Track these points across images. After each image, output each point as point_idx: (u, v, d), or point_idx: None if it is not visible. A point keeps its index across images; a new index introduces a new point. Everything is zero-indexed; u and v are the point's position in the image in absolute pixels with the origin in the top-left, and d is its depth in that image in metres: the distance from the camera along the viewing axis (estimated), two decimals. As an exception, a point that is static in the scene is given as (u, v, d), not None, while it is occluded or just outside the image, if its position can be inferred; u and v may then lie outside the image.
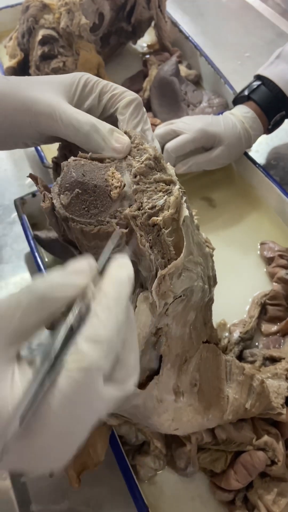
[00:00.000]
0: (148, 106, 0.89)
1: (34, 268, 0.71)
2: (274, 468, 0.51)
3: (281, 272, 0.67)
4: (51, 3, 0.83)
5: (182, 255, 0.38)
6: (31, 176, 0.41)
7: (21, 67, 0.91)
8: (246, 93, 0.75)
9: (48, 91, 0.42)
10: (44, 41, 0.84)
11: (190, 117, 0.75)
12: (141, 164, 0.39)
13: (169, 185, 0.40)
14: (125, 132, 0.42)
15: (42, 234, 0.69)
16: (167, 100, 0.87)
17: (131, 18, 0.92)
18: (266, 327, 0.64)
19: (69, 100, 0.43)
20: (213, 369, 0.48)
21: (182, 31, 0.98)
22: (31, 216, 0.72)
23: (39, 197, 0.72)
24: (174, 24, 1.00)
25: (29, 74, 0.89)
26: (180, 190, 0.40)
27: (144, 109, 0.45)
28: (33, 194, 0.72)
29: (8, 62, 0.93)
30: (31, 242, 0.68)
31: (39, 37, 0.84)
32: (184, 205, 0.40)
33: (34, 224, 0.74)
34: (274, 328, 0.64)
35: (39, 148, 0.77)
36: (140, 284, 0.40)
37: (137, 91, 0.91)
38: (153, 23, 0.96)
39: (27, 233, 0.68)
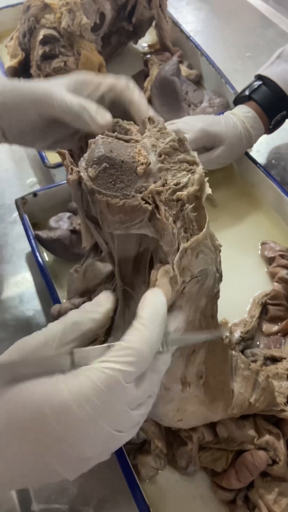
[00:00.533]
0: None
1: (35, 267, 0.71)
2: (275, 467, 0.51)
3: (282, 272, 0.67)
4: (52, 3, 0.83)
5: (204, 229, 0.40)
6: (59, 152, 0.42)
7: (22, 67, 0.91)
8: (247, 93, 0.75)
9: (46, 82, 0.48)
10: (45, 40, 0.84)
11: (191, 117, 0.76)
12: (166, 144, 0.41)
13: (192, 166, 0.41)
14: (149, 118, 0.44)
15: (43, 233, 0.69)
16: (168, 100, 0.87)
17: (132, 17, 0.92)
18: (267, 327, 0.64)
19: (68, 89, 0.48)
20: (220, 363, 0.48)
21: (183, 31, 0.98)
22: (32, 215, 0.73)
23: (40, 197, 0.73)
24: (175, 24, 1.00)
25: (30, 74, 0.89)
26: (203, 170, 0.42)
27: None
28: (34, 194, 0.72)
29: (9, 62, 0.93)
30: (32, 241, 0.68)
31: (40, 36, 0.84)
32: (207, 184, 0.41)
33: (35, 224, 0.74)
34: (275, 328, 0.64)
35: (40, 147, 0.77)
36: (159, 260, 0.41)
37: (138, 91, 0.92)
38: (154, 23, 0.96)
39: (28, 232, 0.68)
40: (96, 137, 0.41)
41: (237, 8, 1.18)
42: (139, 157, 0.40)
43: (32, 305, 0.70)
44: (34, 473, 0.31)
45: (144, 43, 1.05)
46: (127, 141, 0.42)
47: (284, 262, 0.68)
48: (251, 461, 0.50)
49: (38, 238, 0.69)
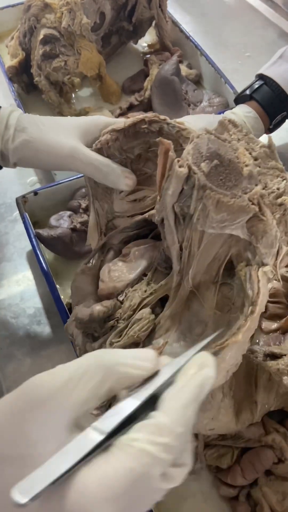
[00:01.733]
0: (149, 105, 0.90)
1: (36, 266, 0.72)
2: (280, 466, 0.51)
3: (281, 270, 0.67)
4: (53, 3, 0.83)
5: None
6: (162, 141, 0.42)
7: (23, 66, 0.91)
8: (248, 92, 0.75)
9: (68, 136, 0.52)
10: (46, 40, 0.84)
11: (191, 116, 0.76)
12: (260, 149, 0.43)
13: (281, 173, 0.43)
14: (230, 121, 0.45)
15: (44, 232, 0.69)
16: (168, 99, 0.87)
17: (132, 17, 0.93)
18: (267, 325, 0.64)
19: (85, 141, 0.53)
20: (244, 374, 0.48)
21: (183, 31, 0.99)
22: (33, 214, 0.73)
23: (41, 196, 0.73)
24: (175, 24, 1.01)
25: (30, 74, 0.89)
26: None
27: None
28: (35, 193, 0.72)
29: (9, 62, 0.93)
30: (33, 240, 0.68)
31: (41, 36, 0.84)
32: None
33: (36, 222, 0.75)
34: (274, 325, 0.64)
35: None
36: (246, 261, 0.42)
37: (138, 91, 0.92)
38: (154, 23, 0.97)
39: (29, 231, 0.69)
40: (199, 134, 0.42)
41: (237, 8, 1.19)
42: (243, 157, 0.40)
43: (33, 303, 0.70)
44: None
45: (144, 43, 1.05)
46: (223, 140, 0.43)
47: (284, 260, 0.69)
48: (257, 458, 0.50)
49: (38, 237, 0.69)
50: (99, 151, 0.52)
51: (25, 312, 0.69)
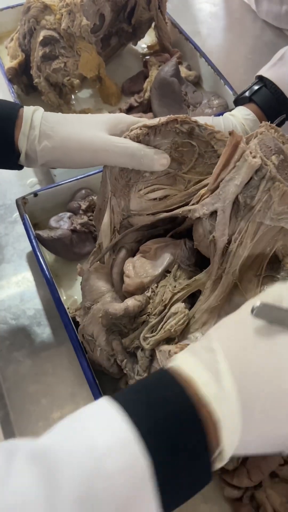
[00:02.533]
0: (148, 106, 0.90)
1: (36, 267, 0.72)
2: (285, 468, 0.51)
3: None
4: (52, 4, 0.83)
5: None
6: (233, 134, 0.43)
7: (22, 67, 0.91)
8: (247, 94, 0.75)
9: (97, 131, 0.52)
10: (45, 42, 0.85)
11: (196, 117, 0.76)
12: None
13: None
14: (270, 125, 0.47)
15: (44, 233, 0.69)
16: (167, 100, 0.87)
17: (131, 19, 0.93)
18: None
19: (112, 135, 0.53)
20: None
21: (182, 32, 0.99)
22: (33, 215, 0.73)
23: (41, 197, 0.73)
24: (174, 25, 1.01)
25: (30, 75, 0.89)
26: None
27: None
28: (35, 194, 0.73)
29: (9, 63, 0.93)
30: (33, 241, 0.68)
31: (40, 38, 0.84)
32: None
33: (36, 224, 0.75)
34: None
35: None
36: None
37: (137, 92, 0.92)
38: (153, 24, 0.97)
39: (29, 232, 0.69)
40: (263, 128, 0.44)
41: (236, 9, 1.19)
42: None
43: (33, 304, 0.70)
44: None
45: (144, 44, 1.05)
46: (282, 140, 0.45)
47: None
48: (263, 460, 0.51)
49: (38, 238, 0.69)
50: None
51: (25, 314, 0.69)
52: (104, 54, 0.95)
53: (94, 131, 0.52)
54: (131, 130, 0.52)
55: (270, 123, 0.74)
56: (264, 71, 0.76)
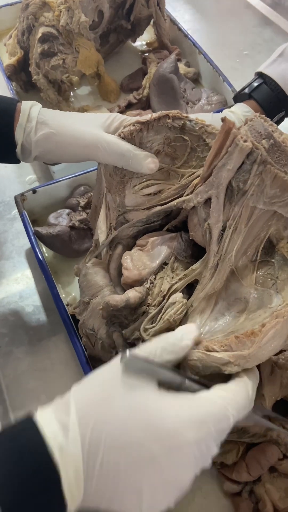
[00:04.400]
0: (147, 103, 0.90)
1: (35, 264, 0.72)
2: (284, 463, 0.51)
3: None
4: (51, 1, 0.83)
5: None
6: (225, 120, 0.44)
7: (21, 65, 0.91)
8: (247, 91, 0.75)
9: (90, 126, 0.53)
10: (44, 38, 0.84)
11: (191, 115, 0.76)
12: None
13: None
14: (260, 116, 0.47)
15: (43, 230, 0.69)
16: (166, 97, 0.87)
17: (130, 16, 0.93)
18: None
19: (106, 132, 0.53)
20: None
21: (181, 29, 0.99)
22: (32, 212, 0.73)
23: (39, 194, 0.73)
24: (173, 22, 1.01)
25: (29, 72, 0.89)
26: None
27: None
28: (34, 191, 0.73)
29: (8, 60, 0.93)
30: (32, 238, 0.68)
31: (39, 34, 0.84)
32: None
33: (35, 220, 0.75)
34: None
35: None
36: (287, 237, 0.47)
37: (136, 89, 0.92)
38: (152, 21, 0.97)
39: (28, 229, 0.69)
40: (253, 116, 0.45)
41: (235, 6, 1.19)
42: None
43: (31, 301, 0.70)
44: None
45: (142, 41, 1.05)
46: (270, 125, 0.46)
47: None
48: (262, 454, 0.51)
49: (37, 235, 0.69)
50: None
51: (24, 310, 0.69)
52: (103, 51, 0.95)
53: (88, 126, 0.53)
54: (125, 127, 0.52)
55: (270, 119, 0.75)
56: (264, 68, 0.76)
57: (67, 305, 0.63)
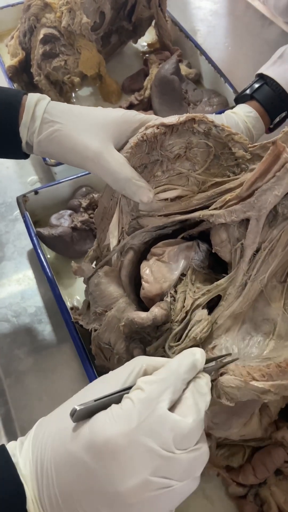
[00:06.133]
0: (149, 104, 0.90)
1: (37, 265, 0.72)
2: None
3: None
4: (53, 2, 0.83)
5: None
6: (277, 142, 0.43)
7: (23, 66, 0.91)
8: (248, 92, 0.75)
9: (97, 137, 0.50)
10: (46, 40, 0.85)
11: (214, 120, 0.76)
12: None
13: None
14: None
15: (45, 231, 0.69)
16: (167, 98, 0.87)
17: (131, 17, 0.93)
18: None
19: (115, 140, 0.51)
20: None
21: (183, 30, 0.99)
22: (33, 213, 0.73)
23: (41, 195, 0.73)
24: (175, 23, 1.01)
25: (30, 73, 0.89)
26: None
27: None
28: (35, 192, 0.73)
29: (9, 61, 0.93)
30: (34, 239, 0.68)
31: (41, 36, 0.84)
32: None
33: (36, 221, 0.75)
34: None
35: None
36: None
37: (137, 90, 0.92)
38: (153, 22, 0.97)
39: (30, 230, 0.69)
40: None
41: (237, 7, 1.19)
42: None
43: (33, 302, 0.70)
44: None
45: (144, 42, 1.05)
46: None
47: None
48: (269, 457, 0.51)
49: (39, 236, 0.69)
50: (140, 144, 0.50)
51: (26, 311, 0.69)
52: (105, 52, 0.95)
53: (94, 135, 0.50)
54: (147, 128, 0.50)
55: (272, 120, 0.75)
56: (265, 69, 0.76)
57: (71, 308, 0.63)
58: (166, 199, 0.52)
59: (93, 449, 0.32)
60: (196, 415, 0.34)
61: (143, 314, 0.47)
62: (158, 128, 0.49)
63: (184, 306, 0.47)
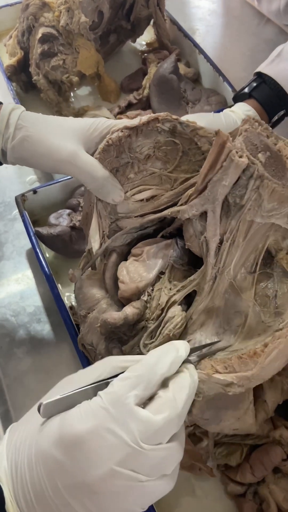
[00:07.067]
0: (147, 103, 0.90)
1: (36, 264, 0.72)
2: None
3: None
4: (51, 1, 0.83)
5: None
6: (219, 133, 0.43)
7: (21, 65, 0.91)
8: (247, 91, 0.75)
9: (70, 140, 0.51)
10: (44, 39, 0.85)
11: (191, 115, 0.76)
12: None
13: None
14: (254, 119, 0.46)
15: (43, 230, 0.69)
16: (166, 97, 0.87)
17: (130, 16, 0.93)
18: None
19: (86, 145, 0.52)
20: None
21: (181, 29, 0.99)
22: (32, 212, 0.73)
23: (40, 194, 0.73)
24: (173, 22, 1.01)
25: (29, 73, 0.89)
26: None
27: None
28: (34, 191, 0.73)
29: (8, 61, 0.93)
30: (32, 238, 0.68)
31: (39, 35, 0.84)
32: None
33: (35, 221, 0.75)
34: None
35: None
36: (286, 247, 0.46)
37: (136, 89, 0.92)
38: (152, 21, 0.97)
39: (28, 229, 0.69)
40: (246, 125, 0.43)
41: (235, 6, 1.19)
42: (284, 151, 0.43)
43: (32, 301, 0.70)
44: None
45: (142, 41, 1.05)
46: (266, 135, 0.45)
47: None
48: (266, 455, 0.51)
49: (38, 235, 0.69)
50: (106, 149, 0.51)
51: (25, 311, 0.69)
52: (103, 51, 0.95)
53: (65, 139, 0.51)
54: (112, 133, 0.50)
55: (271, 118, 0.75)
56: (263, 68, 0.76)
57: (70, 308, 0.63)
58: (141, 200, 0.52)
59: (62, 444, 0.33)
60: (170, 411, 0.34)
61: (115, 314, 0.47)
62: (122, 131, 0.50)
63: (159, 304, 0.47)
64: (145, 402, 0.35)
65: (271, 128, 0.45)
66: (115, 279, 0.53)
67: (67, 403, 0.35)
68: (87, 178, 0.51)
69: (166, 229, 0.54)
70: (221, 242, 0.45)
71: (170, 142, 0.51)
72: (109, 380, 0.36)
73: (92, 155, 0.52)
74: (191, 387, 0.36)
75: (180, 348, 0.38)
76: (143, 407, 0.34)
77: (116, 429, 0.32)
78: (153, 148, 0.51)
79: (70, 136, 0.52)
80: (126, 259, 0.53)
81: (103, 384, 0.36)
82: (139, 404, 0.34)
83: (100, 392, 0.34)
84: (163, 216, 0.52)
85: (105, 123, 0.52)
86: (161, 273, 0.50)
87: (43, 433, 0.34)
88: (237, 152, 0.41)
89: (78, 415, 0.34)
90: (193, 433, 0.53)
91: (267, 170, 0.42)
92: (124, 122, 0.52)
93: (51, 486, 0.33)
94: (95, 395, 0.35)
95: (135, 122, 0.50)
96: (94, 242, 0.54)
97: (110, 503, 0.33)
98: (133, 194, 0.52)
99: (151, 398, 0.35)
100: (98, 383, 0.36)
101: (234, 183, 0.42)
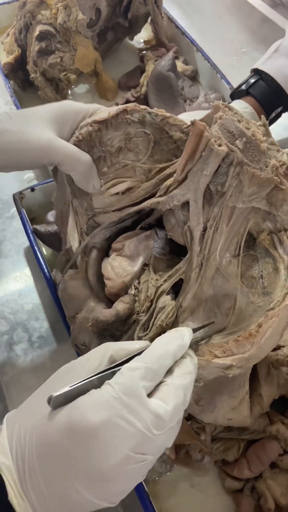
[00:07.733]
0: (145, 101, 0.90)
1: (34, 262, 0.72)
2: (285, 458, 0.51)
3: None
4: (48, -1, 0.83)
5: None
6: (195, 123, 0.43)
7: (19, 63, 0.91)
8: (244, 87, 0.75)
9: (43, 128, 0.48)
10: (41, 36, 0.84)
11: (189, 112, 0.76)
12: (260, 127, 0.45)
13: (278, 147, 0.46)
14: (224, 104, 0.46)
15: (41, 228, 0.69)
16: (164, 95, 0.87)
17: (127, 13, 0.93)
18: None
19: (59, 131, 0.49)
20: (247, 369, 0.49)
21: (179, 27, 0.99)
22: (30, 210, 0.73)
23: (38, 192, 0.73)
24: (171, 20, 1.01)
25: (26, 70, 0.89)
26: None
27: None
28: (32, 189, 0.72)
29: (5, 58, 0.93)
30: (31, 236, 0.68)
31: (36, 32, 0.84)
32: None
33: (33, 218, 0.75)
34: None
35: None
36: (268, 230, 0.47)
37: (134, 87, 0.92)
38: (149, 19, 0.97)
39: (26, 227, 0.69)
40: (220, 112, 0.44)
41: (232, 4, 1.19)
42: (258, 135, 0.43)
43: (31, 299, 0.70)
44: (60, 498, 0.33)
45: (140, 39, 1.05)
46: (239, 120, 0.45)
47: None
48: (263, 450, 0.51)
49: (36, 232, 0.69)
50: (77, 145, 0.49)
51: (23, 308, 0.69)
52: (101, 49, 0.95)
53: (38, 128, 0.48)
54: (81, 128, 0.49)
55: (268, 115, 0.75)
56: (260, 64, 0.76)
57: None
58: (117, 193, 0.52)
59: (75, 435, 0.33)
60: (178, 399, 0.35)
61: (106, 312, 0.47)
62: (91, 126, 0.49)
63: (148, 296, 0.47)
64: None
65: (240, 112, 0.46)
66: (99, 275, 0.52)
67: (74, 393, 0.35)
68: (72, 163, 0.48)
69: (145, 220, 0.54)
70: (204, 229, 0.45)
71: (140, 133, 0.51)
72: (115, 369, 0.36)
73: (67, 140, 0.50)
74: (193, 373, 0.38)
75: (185, 335, 0.39)
76: (151, 394, 0.35)
77: (130, 417, 0.33)
78: (124, 140, 0.51)
79: (43, 125, 0.49)
80: (107, 255, 0.53)
81: (109, 373, 0.36)
82: (148, 392, 0.35)
83: (110, 382, 0.35)
84: (141, 209, 0.51)
85: (74, 106, 0.51)
86: (145, 265, 0.50)
87: (53, 424, 0.34)
88: (215, 141, 0.42)
89: (90, 404, 0.34)
90: (189, 430, 0.53)
91: (245, 156, 0.42)
92: (96, 108, 0.51)
93: (64, 477, 0.33)
94: (100, 383, 0.35)
95: (103, 116, 0.49)
96: (74, 240, 0.54)
97: (122, 486, 0.34)
98: (108, 188, 0.52)
99: (158, 384, 0.36)
100: (104, 373, 0.36)
101: (214, 171, 0.43)
